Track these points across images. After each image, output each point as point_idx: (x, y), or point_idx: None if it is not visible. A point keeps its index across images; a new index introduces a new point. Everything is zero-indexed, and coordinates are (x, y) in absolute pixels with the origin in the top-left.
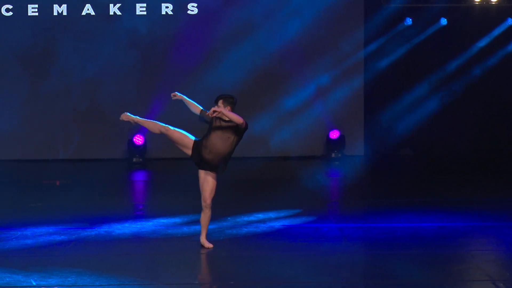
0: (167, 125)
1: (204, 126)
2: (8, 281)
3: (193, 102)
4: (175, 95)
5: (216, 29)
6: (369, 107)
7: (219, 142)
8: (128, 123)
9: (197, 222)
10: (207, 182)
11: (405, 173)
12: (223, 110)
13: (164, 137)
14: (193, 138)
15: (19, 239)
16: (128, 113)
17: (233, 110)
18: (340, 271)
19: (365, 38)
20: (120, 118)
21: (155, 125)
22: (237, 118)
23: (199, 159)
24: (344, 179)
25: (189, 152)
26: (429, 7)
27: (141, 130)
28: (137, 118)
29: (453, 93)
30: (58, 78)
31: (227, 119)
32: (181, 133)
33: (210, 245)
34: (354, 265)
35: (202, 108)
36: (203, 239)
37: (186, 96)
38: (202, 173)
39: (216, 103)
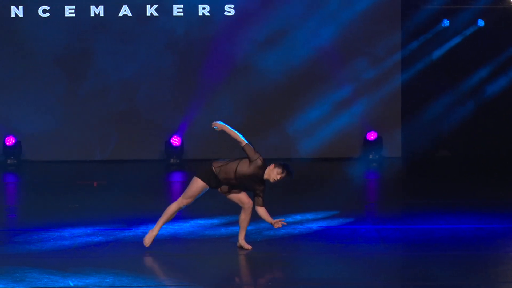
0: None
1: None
2: (46, 282)
3: (235, 132)
4: (216, 125)
5: (252, 30)
6: (407, 108)
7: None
8: (166, 124)
9: (235, 223)
10: (233, 192)
11: (442, 175)
12: (228, 129)
13: (201, 138)
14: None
15: (57, 240)
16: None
17: (278, 180)
18: (378, 272)
19: (402, 40)
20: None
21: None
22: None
23: (216, 182)
24: (382, 181)
25: (204, 186)
26: (467, 9)
27: (178, 131)
28: (228, 128)
29: (491, 94)
30: (95, 79)
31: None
32: (196, 193)
33: (249, 247)
34: (392, 266)
35: (246, 141)
36: (242, 241)
37: (229, 126)
38: (224, 189)
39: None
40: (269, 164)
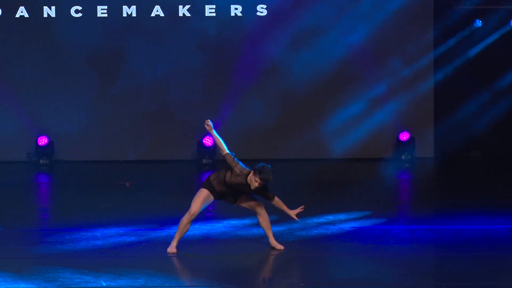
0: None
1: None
2: (78, 282)
3: (220, 139)
4: (207, 124)
5: (285, 31)
6: (439, 108)
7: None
8: (198, 124)
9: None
10: (239, 199)
11: (475, 175)
12: (214, 134)
13: (234, 138)
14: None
15: (89, 240)
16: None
17: (257, 187)
18: (410, 273)
19: (435, 40)
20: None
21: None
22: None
23: (216, 194)
24: (414, 181)
25: (207, 194)
26: (499, 9)
27: None
28: (214, 132)
29: None
30: (127, 79)
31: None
32: (201, 201)
33: (281, 247)
34: (424, 267)
35: (228, 151)
36: (272, 241)
37: (216, 132)
38: (230, 199)
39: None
40: (251, 171)
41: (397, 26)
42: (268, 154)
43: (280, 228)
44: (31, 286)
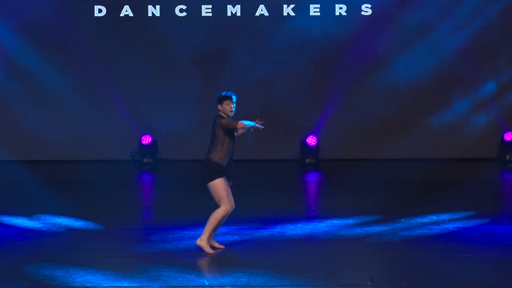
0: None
1: None
2: (181, 281)
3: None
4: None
5: (390, 30)
6: None
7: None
8: (302, 123)
9: (371, 223)
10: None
11: None
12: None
13: (337, 138)
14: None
15: (192, 239)
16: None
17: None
18: None
19: None
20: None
21: None
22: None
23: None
24: None
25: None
26: None
27: (314, 131)
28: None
29: None
30: (231, 79)
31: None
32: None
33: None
34: None
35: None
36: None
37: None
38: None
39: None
40: None
41: (502, 25)
42: (371, 154)
43: (383, 228)
44: (134, 285)
